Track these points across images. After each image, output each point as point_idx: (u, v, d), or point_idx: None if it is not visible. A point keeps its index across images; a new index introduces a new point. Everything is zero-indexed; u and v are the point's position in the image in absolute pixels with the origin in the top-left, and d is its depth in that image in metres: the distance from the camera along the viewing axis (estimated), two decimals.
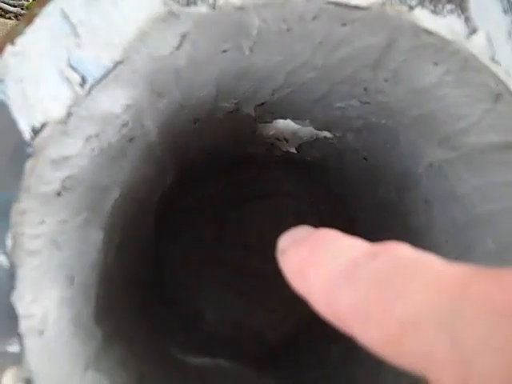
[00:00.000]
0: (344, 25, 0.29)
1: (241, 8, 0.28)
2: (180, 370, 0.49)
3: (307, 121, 0.46)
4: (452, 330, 0.14)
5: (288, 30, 0.30)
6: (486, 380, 0.13)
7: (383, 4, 0.28)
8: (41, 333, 0.28)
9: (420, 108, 0.33)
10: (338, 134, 0.46)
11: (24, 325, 0.28)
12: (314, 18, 0.29)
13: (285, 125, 0.48)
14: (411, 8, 0.28)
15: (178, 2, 0.28)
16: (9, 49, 0.28)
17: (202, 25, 0.29)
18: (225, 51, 0.31)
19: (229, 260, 0.67)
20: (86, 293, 0.34)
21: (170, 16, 0.28)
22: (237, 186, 0.68)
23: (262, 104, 0.42)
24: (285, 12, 0.29)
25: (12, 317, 0.28)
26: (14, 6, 1.24)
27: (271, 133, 0.50)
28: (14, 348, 0.27)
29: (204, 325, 0.64)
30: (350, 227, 0.57)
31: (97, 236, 0.34)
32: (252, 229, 0.67)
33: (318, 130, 0.47)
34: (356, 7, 0.28)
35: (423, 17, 0.28)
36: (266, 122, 0.48)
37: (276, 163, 0.63)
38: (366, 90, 0.35)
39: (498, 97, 0.29)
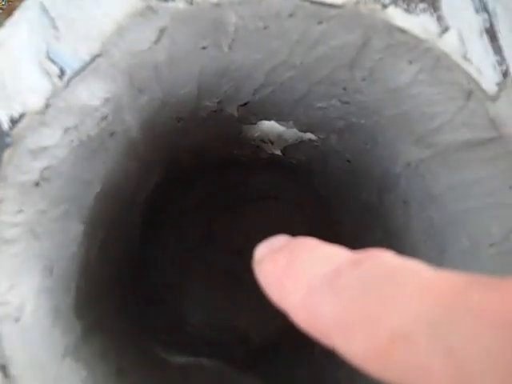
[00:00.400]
0: (320, 23, 0.30)
1: (217, 4, 0.29)
2: (161, 368, 0.49)
3: (291, 122, 0.46)
4: (448, 341, 0.13)
5: (265, 28, 0.31)
6: None
7: (357, 2, 0.29)
8: (17, 320, 0.29)
9: (396, 107, 0.34)
10: (321, 136, 0.47)
11: (0, 311, 0.28)
12: (290, 15, 0.30)
13: (270, 126, 0.48)
14: (384, 6, 0.29)
15: None
16: None
17: (179, 20, 0.29)
18: (204, 48, 0.32)
19: (215, 262, 0.67)
20: (65, 284, 0.34)
21: (148, 11, 0.29)
22: (224, 189, 0.68)
23: (245, 104, 0.42)
24: (261, 9, 0.29)
25: None
26: None
27: (256, 134, 0.51)
28: None
29: (188, 326, 0.64)
30: (335, 229, 0.58)
31: (76, 229, 0.34)
32: (239, 232, 0.68)
33: (302, 131, 0.48)
34: (331, 5, 0.29)
35: (396, 15, 0.29)
36: (251, 124, 0.48)
37: (262, 166, 0.63)
38: (345, 89, 0.36)
39: (469, 94, 0.29)
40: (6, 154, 0.28)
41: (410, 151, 0.36)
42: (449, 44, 0.29)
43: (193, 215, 0.68)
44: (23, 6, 0.29)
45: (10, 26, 0.29)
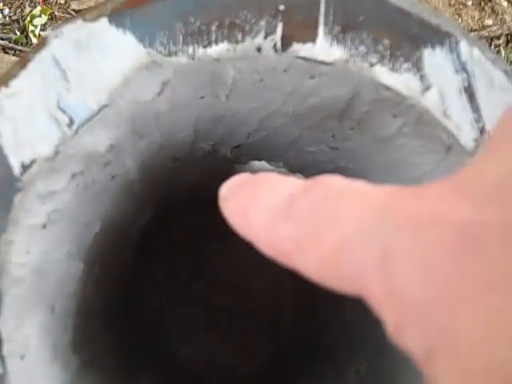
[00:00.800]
0: (312, 77, 0.32)
1: (217, 60, 0.31)
2: None
3: (281, 163, 0.48)
4: (377, 243, 0.14)
5: (261, 81, 0.33)
6: (408, 292, 0.13)
7: (346, 61, 0.31)
8: (22, 357, 0.30)
9: (382, 155, 0.36)
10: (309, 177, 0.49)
11: (7, 348, 0.29)
12: (285, 70, 0.32)
13: (260, 166, 0.50)
14: (372, 65, 0.31)
15: (161, 52, 0.31)
16: (2, 90, 0.30)
17: (181, 73, 0.31)
18: (202, 97, 0.34)
19: (201, 297, 0.69)
20: (64, 322, 0.36)
21: (153, 65, 0.31)
22: (210, 223, 0.70)
23: (238, 146, 0.44)
24: (258, 65, 0.32)
25: None
26: (2, 39, 1.26)
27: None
28: None
29: (176, 360, 0.65)
30: None
31: (77, 268, 0.36)
32: (225, 266, 0.69)
33: (292, 172, 0.50)
34: (322, 62, 0.31)
35: (382, 73, 0.31)
36: (242, 163, 0.50)
37: None
38: (333, 136, 0.38)
39: (449, 148, 0.32)
40: (17, 198, 0.30)
41: None
42: (430, 101, 0.31)
43: (180, 249, 0.70)
44: (37, 58, 0.31)
45: (24, 76, 0.30)
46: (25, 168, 0.30)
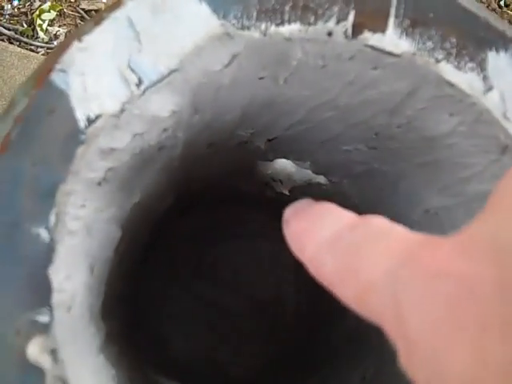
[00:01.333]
0: (375, 68, 0.33)
1: (288, 39, 0.32)
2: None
3: (308, 163, 0.49)
4: (394, 290, 0.16)
5: (323, 67, 0.33)
6: (414, 335, 0.15)
7: (413, 54, 0.32)
8: (69, 309, 0.30)
9: (428, 155, 0.37)
10: (334, 180, 0.50)
11: (56, 298, 0.29)
12: (351, 58, 0.33)
13: (282, 166, 0.51)
14: (438, 61, 0.32)
15: (234, 25, 0.31)
16: (75, 44, 0.31)
17: (252, 48, 0.32)
18: (262, 78, 0.34)
19: (203, 296, 0.69)
20: (99, 286, 0.36)
21: (225, 36, 0.31)
22: (215, 224, 0.70)
23: (274, 139, 0.45)
24: (326, 49, 0.32)
25: (45, 288, 0.29)
26: (9, 30, 1.26)
27: (268, 172, 0.53)
28: (43, 318, 0.29)
29: (176, 357, 0.65)
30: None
31: (116, 234, 0.36)
32: (227, 267, 0.70)
33: (316, 173, 0.50)
34: (390, 53, 0.32)
35: (447, 70, 0.32)
36: (267, 160, 0.51)
37: (262, 207, 0.66)
38: (376, 134, 0.39)
39: (505, 149, 0.33)
40: (80, 150, 0.30)
41: (432, 199, 0.39)
42: (491, 102, 0.33)
43: (184, 247, 0.70)
44: (112, 16, 0.31)
45: (98, 33, 0.31)
46: (90, 122, 0.30)
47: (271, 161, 0.51)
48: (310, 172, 0.51)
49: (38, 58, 1.12)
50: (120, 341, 0.44)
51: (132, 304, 0.61)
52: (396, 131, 0.37)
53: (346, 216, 0.23)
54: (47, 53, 1.21)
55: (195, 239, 0.70)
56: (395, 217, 0.45)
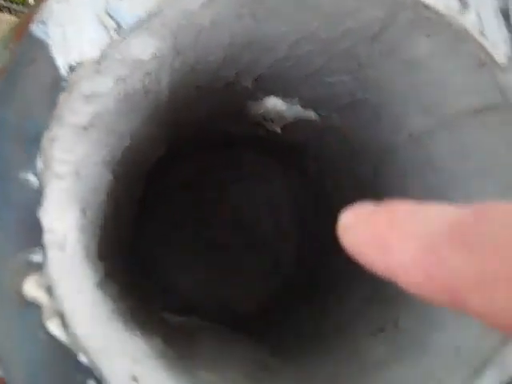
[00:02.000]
0: None
1: None
2: (164, 326, 0.52)
3: (296, 98, 0.49)
4: None
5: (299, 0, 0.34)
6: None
7: None
8: (61, 247, 0.31)
9: (408, 79, 0.37)
10: (323, 114, 0.50)
11: (47, 238, 0.30)
12: None
13: (272, 104, 0.51)
14: None
15: None
16: None
17: None
18: (240, 16, 0.35)
19: (202, 237, 0.70)
20: (93, 228, 0.37)
21: None
22: (215, 168, 0.71)
23: (258, 77, 0.45)
24: None
25: (36, 230, 0.31)
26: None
27: (259, 112, 0.54)
28: (36, 258, 0.30)
29: (180, 295, 0.67)
30: (325, 207, 0.62)
31: (107, 178, 0.37)
32: (227, 208, 0.71)
33: (305, 108, 0.51)
34: None
35: None
36: (257, 99, 0.51)
37: (254, 148, 0.67)
38: (359, 65, 0.39)
39: (483, 65, 0.33)
40: (62, 96, 0.31)
41: (414, 122, 0.40)
42: (468, 21, 0.33)
43: (181, 193, 0.71)
44: None
45: None
46: (71, 69, 0.31)
47: (261, 100, 0.51)
48: (299, 108, 0.51)
49: None
50: (120, 280, 0.45)
51: (131, 247, 0.62)
52: (377, 59, 0.38)
53: (449, 207, 0.18)
54: None
55: (191, 185, 0.71)
56: (382, 144, 0.46)
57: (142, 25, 0.31)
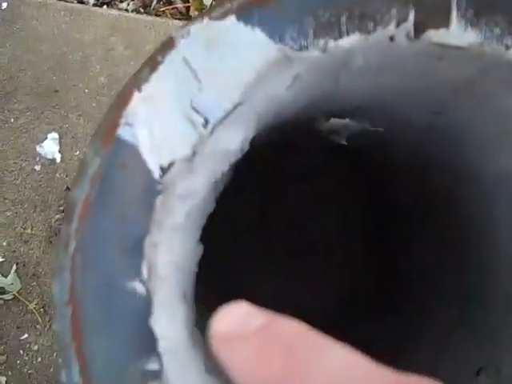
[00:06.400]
0: (440, 59, 0.32)
1: (349, 50, 0.31)
2: None
3: (366, 121, 0.48)
4: None
5: (386, 65, 0.32)
6: None
7: (481, 44, 0.31)
8: (175, 351, 0.31)
9: (496, 124, 0.36)
10: (394, 132, 0.49)
11: (162, 345, 0.30)
12: (415, 55, 0.31)
13: (342, 124, 0.50)
14: (508, 47, 0.31)
15: (291, 47, 0.30)
16: (136, 94, 0.30)
17: (312, 67, 0.31)
18: (321, 83, 0.34)
19: (270, 237, 0.70)
20: (190, 302, 0.37)
21: (285, 60, 0.31)
22: (277, 168, 0.71)
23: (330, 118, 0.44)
24: (388, 52, 0.31)
25: (148, 338, 0.31)
26: None
27: (326, 127, 0.53)
28: (152, 366, 0.30)
29: (242, 295, 0.68)
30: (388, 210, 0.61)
31: (200, 250, 0.37)
32: (293, 210, 0.70)
33: (374, 126, 0.50)
34: (457, 47, 0.31)
35: None
36: (324, 120, 0.50)
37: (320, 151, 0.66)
38: (441, 106, 0.38)
39: None
40: (158, 200, 0.30)
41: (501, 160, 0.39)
42: None
43: (248, 194, 0.70)
44: (167, 60, 0.30)
45: (156, 80, 0.30)
46: (164, 171, 0.30)
47: (327, 121, 0.50)
48: (368, 127, 0.50)
49: (54, 5, 1.09)
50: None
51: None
52: (461, 105, 0.36)
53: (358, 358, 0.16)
54: None
55: (260, 185, 0.70)
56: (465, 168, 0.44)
57: (228, 116, 0.31)
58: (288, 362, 0.16)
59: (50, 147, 1.02)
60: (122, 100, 0.31)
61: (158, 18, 1.14)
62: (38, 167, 1.03)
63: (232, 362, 0.17)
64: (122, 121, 0.30)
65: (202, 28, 0.30)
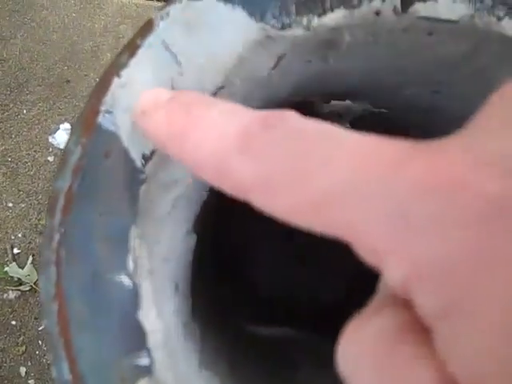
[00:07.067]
0: (430, 34, 0.30)
1: (334, 28, 0.29)
2: (253, 342, 0.52)
3: (367, 101, 0.47)
4: (391, 200, 0.14)
5: (375, 42, 0.31)
6: (427, 249, 0.13)
7: (472, 16, 0.29)
8: (165, 344, 0.30)
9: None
10: (397, 113, 0.48)
11: (152, 339, 0.30)
12: (404, 30, 0.30)
13: (344, 105, 0.49)
14: (499, 18, 0.29)
15: (273, 25, 0.29)
16: (115, 81, 0.29)
17: (297, 45, 0.30)
18: (309, 61, 0.32)
19: (278, 224, 0.69)
20: (185, 294, 0.36)
21: (267, 40, 0.29)
22: None
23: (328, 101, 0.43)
24: (376, 27, 0.30)
25: (138, 332, 0.30)
26: None
27: (327, 110, 0.51)
28: (143, 361, 0.30)
29: (260, 291, 0.67)
30: None
31: (192, 240, 0.36)
32: None
33: (377, 107, 0.48)
34: (446, 21, 0.29)
35: (510, 27, 0.29)
36: (325, 103, 0.49)
37: None
38: (439, 83, 0.36)
39: None
40: (142, 190, 0.29)
41: None
42: None
43: None
44: (145, 43, 0.29)
45: (135, 64, 0.29)
46: (146, 159, 0.29)
47: (328, 103, 0.49)
48: (369, 105, 0.49)
49: None
50: (213, 319, 0.45)
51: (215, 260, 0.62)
52: (459, 81, 0.35)
53: (242, 110, 0.19)
54: None
55: None
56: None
57: None
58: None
59: (62, 138, 1.02)
60: (101, 86, 0.30)
61: None
62: (51, 158, 1.03)
63: None
64: (102, 108, 0.29)
65: (180, 9, 0.29)
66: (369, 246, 0.15)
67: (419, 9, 0.29)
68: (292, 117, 0.17)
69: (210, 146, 0.18)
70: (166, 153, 0.21)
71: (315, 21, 0.29)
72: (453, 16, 0.29)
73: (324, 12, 0.29)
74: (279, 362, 0.50)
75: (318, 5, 0.29)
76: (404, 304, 0.15)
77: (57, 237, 0.30)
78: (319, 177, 0.16)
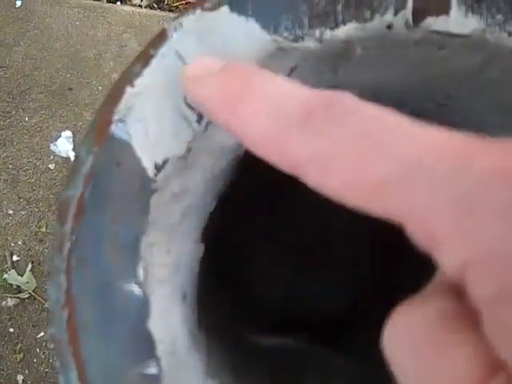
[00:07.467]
0: (442, 48, 0.31)
1: (346, 41, 0.30)
2: (255, 352, 0.52)
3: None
4: (455, 190, 0.14)
5: (386, 55, 0.31)
6: (490, 236, 0.14)
7: (483, 31, 0.30)
8: (173, 354, 0.30)
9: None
10: None
11: (160, 348, 0.30)
12: (415, 44, 0.30)
13: None
14: (510, 34, 0.30)
15: (286, 38, 0.29)
16: (128, 90, 0.29)
17: (309, 58, 0.30)
18: (321, 73, 0.33)
19: (279, 237, 0.69)
20: (193, 304, 0.36)
21: (280, 52, 0.30)
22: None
23: None
24: (387, 41, 0.30)
25: (146, 341, 0.30)
26: None
27: None
28: (151, 370, 0.30)
29: (262, 302, 0.67)
30: None
31: (200, 250, 0.36)
32: (299, 208, 0.69)
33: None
34: (458, 35, 0.30)
35: None
36: None
37: None
38: (447, 97, 0.37)
39: None
40: (153, 199, 0.30)
41: None
42: None
43: (255, 193, 0.70)
44: (159, 54, 0.29)
45: (149, 74, 0.29)
46: (158, 168, 0.29)
47: None
48: None
49: (68, 2, 1.09)
50: (214, 322, 0.45)
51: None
52: (467, 95, 0.35)
53: (302, 88, 0.19)
54: None
55: (264, 186, 0.69)
56: None
57: None
58: None
59: (63, 145, 1.02)
60: (114, 95, 0.30)
61: (171, 14, 1.14)
62: (52, 166, 1.03)
63: None
64: (115, 117, 0.29)
65: (194, 19, 0.29)
66: (427, 230, 0.15)
67: (431, 23, 0.29)
68: (353, 98, 0.18)
69: (268, 118, 0.18)
70: (215, 120, 0.21)
71: (327, 33, 0.29)
72: (464, 30, 0.30)
73: (336, 25, 0.29)
74: (282, 372, 0.50)
75: (331, 18, 0.29)
76: (456, 291, 0.15)
77: (67, 245, 0.30)
78: (381, 158, 0.16)
